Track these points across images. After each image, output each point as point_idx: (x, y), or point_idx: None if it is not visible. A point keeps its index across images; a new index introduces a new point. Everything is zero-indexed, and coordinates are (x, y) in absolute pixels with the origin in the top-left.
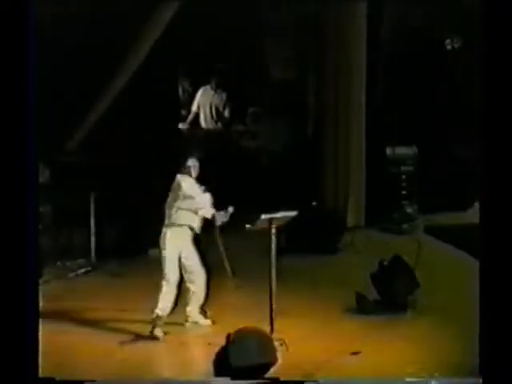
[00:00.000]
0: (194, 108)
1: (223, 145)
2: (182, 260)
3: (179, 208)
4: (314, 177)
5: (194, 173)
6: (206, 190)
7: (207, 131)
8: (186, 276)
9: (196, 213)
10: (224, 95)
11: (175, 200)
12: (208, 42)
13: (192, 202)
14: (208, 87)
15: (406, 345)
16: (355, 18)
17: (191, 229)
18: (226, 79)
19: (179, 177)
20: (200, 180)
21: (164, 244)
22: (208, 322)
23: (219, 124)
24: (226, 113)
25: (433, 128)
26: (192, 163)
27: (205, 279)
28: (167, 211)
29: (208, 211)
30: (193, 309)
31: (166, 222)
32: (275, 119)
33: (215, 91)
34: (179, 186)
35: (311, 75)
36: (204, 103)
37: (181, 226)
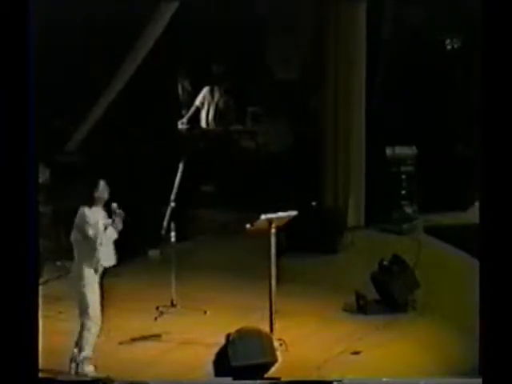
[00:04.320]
0: (197, 104)
1: (223, 145)
2: None
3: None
4: (314, 177)
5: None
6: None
7: (207, 131)
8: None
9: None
10: (228, 98)
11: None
12: (208, 42)
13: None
14: (212, 87)
15: (406, 345)
16: (355, 18)
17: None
18: (225, 79)
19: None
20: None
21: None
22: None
23: (220, 124)
24: (228, 114)
25: (433, 128)
26: (103, 189)
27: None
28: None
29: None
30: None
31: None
32: (275, 119)
33: (219, 93)
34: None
35: (311, 75)
36: (207, 103)
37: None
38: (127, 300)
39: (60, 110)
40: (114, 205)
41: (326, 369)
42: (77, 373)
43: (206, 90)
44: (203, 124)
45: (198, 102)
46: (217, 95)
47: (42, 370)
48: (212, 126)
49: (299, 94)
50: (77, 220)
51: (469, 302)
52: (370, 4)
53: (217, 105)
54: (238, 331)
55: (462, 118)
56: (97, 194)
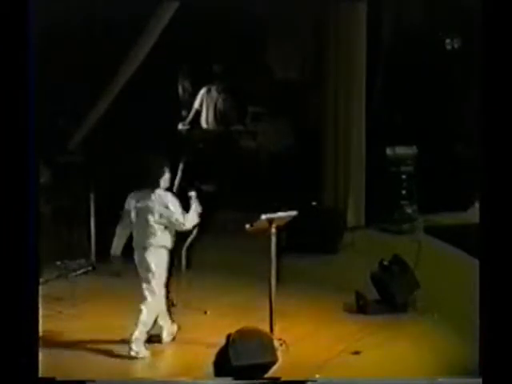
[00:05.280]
0: (196, 107)
1: (223, 145)
2: None
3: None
4: (314, 177)
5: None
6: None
7: (207, 131)
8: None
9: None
10: (226, 96)
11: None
12: (208, 42)
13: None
14: (209, 87)
15: (406, 345)
16: (355, 18)
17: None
18: (226, 79)
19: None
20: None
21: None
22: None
23: (220, 124)
24: (229, 113)
25: (433, 128)
26: (168, 174)
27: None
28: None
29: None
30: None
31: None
32: (275, 119)
33: (217, 92)
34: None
35: (311, 75)
36: (206, 104)
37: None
38: (127, 300)
39: (60, 110)
40: (193, 193)
41: (326, 369)
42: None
43: (203, 92)
44: (203, 124)
45: (197, 105)
46: (215, 95)
47: (42, 370)
48: (212, 126)
49: (299, 93)
50: (155, 204)
51: (469, 301)
52: (370, 4)
53: (215, 105)
54: (239, 331)
55: (462, 117)
56: (162, 182)
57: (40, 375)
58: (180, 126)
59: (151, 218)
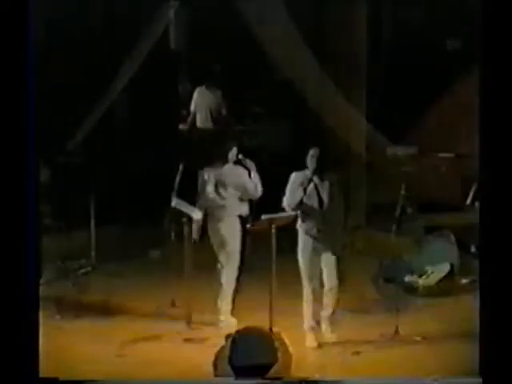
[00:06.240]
0: (193, 108)
1: (223, 145)
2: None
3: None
4: None
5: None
6: None
7: (207, 131)
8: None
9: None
10: (220, 94)
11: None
12: (208, 42)
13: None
14: (204, 87)
15: (406, 345)
16: (355, 18)
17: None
18: (224, 79)
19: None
20: None
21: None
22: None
23: (217, 124)
24: (223, 112)
25: (433, 128)
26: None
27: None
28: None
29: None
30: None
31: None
32: (275, 119)
33: (211, 91)
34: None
35: (311, 75)
36: (200, 103)
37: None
38: (127, 300)
39: (60, 110)
40: (241, 156)
41: (326, 369)
42: None
43: (196, 93)
44: (199, 125)
45: (193, 107)
46: (207, 94)
47: (42, 370)
48: (207, 125)
49: (299, 94)
50: (233, 178)
51: (469, 302)
52: (370, 4)
53: (208, 104)
54: (239, 331)
55: (462, 117)
56: (230, 155)
57: (40, 375)
58: (180, 126)
59: (224, 191)
